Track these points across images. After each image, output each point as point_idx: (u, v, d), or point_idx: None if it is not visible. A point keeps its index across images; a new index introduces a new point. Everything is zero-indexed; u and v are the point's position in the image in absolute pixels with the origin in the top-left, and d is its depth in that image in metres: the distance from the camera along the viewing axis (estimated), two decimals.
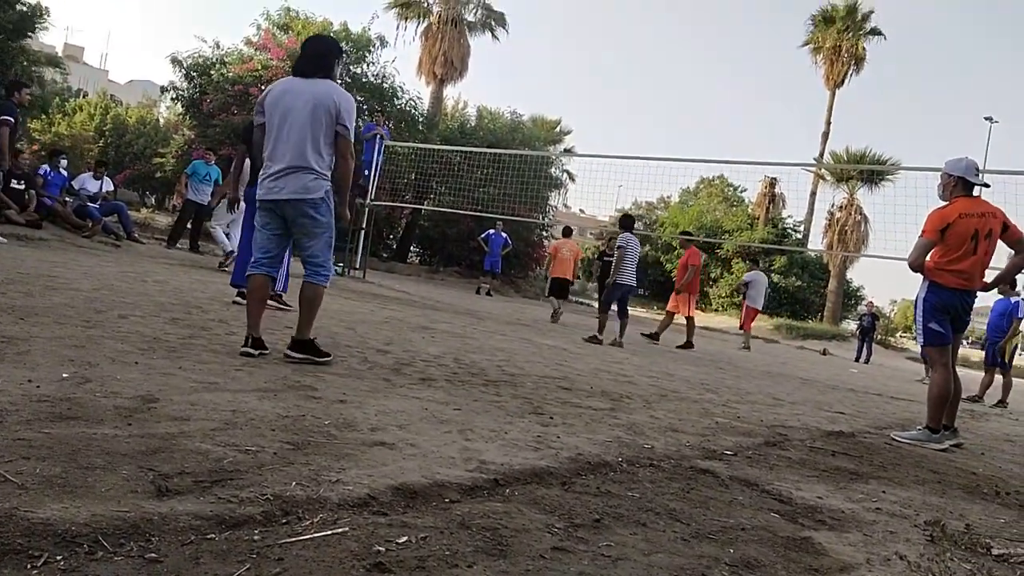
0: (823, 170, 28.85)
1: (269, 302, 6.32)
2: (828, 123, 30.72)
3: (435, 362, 4.76)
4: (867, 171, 26.63)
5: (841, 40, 30.21)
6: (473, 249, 19.92)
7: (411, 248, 24.38)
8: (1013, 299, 9.64)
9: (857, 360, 18.05)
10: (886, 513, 2.66)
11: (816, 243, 30.12)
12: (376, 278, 14.17)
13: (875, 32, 30.76)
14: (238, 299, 6.17)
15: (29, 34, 17.18)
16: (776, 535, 2.16)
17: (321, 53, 4.00)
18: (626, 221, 9.91)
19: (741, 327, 15.26)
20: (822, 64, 30.82)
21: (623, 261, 9.42)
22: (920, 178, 11.10)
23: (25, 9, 16.50)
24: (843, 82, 30.50)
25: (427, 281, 18.81)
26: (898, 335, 31.40)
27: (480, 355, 5.54)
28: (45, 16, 17.09)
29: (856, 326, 21.71)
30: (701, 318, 26.29)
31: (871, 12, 30.45)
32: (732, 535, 2.10)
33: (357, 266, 13.87)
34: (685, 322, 11.82)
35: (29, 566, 1.31)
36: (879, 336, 22.67)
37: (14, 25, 15.89)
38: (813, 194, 30.03)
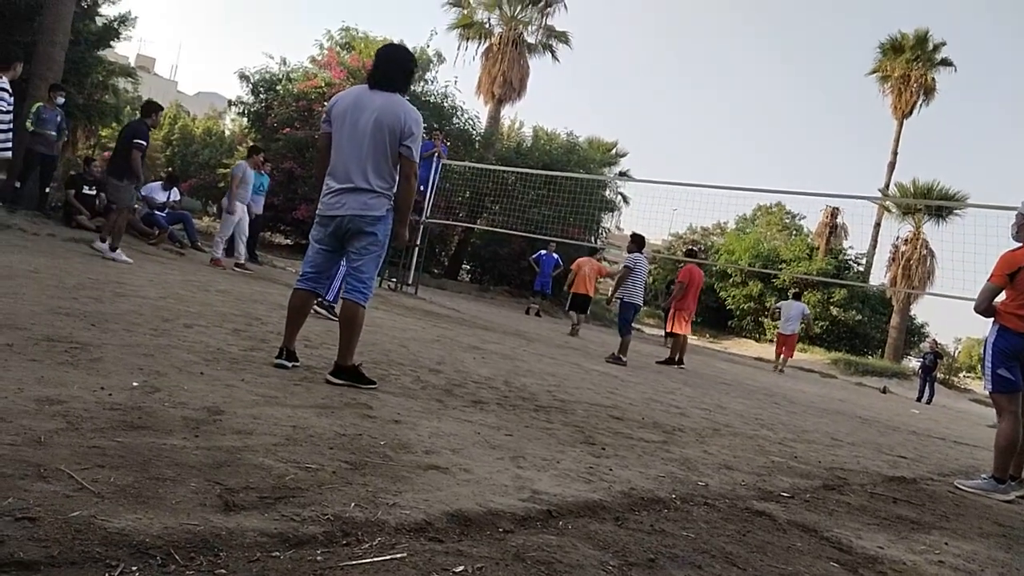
0: (888, 203, 28.10)
1: (319, 311, 6.54)
2: (895, 153, 29.97)
3: (486, 384, 4.78)
4: (935, 205, 25.83)
5: (910, 69, 29.49)
6: (524, 269, 20.00)
7: (463, 265, 24.57)
8: None
9: (919, 400, 17.47)
10: (949, 567, 2.57)
11: (879, 276, 29.26)
12: (427, 294, 14.32)
13: (946, 63, 29.95)
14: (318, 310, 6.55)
15: (111, 44, 17.89)
16: None
17: (392, 64, 3.83)
18: (637, 240, 9.97)
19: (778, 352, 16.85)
20: (889, 93, 30.11)
21: (631, 281, 9.57)
22: (990, 216, 10.72)
23: (107, 21, 17.20)
24: (911, 112, 29.71)
25: (477, 299, 18.91)
26: (962, 375, 30.23)
27: (530, 379, 5.54)
28: (130, 27, 17.74)
29: (919, 364, 20.99)
30: (755, 349, 25.84)
31: (943, 43, 29.71)
32: None
33: (409, 282, 14.04)
34: (675, 338, 11.47)
35: (107, 574, 1.36)
36: (943, 376, 21.88)
37: (96, 36, 16.59)
38: (877, 225, 29.26)
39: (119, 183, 8.27)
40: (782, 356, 16.23)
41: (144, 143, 8.24)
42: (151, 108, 8.71)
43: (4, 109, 7.06)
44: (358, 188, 3.71)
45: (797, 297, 17.62)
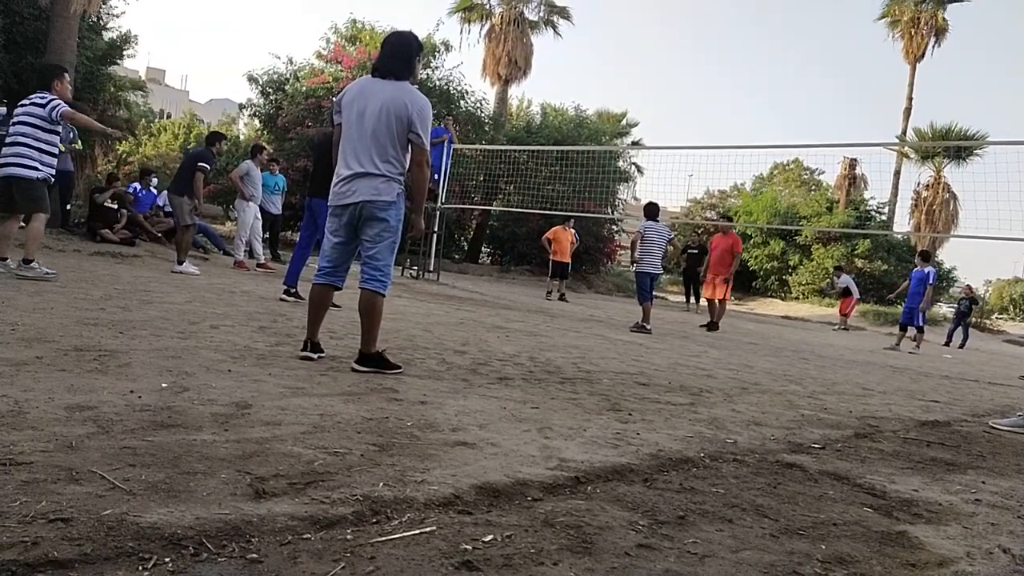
0: (906, 148, 27.57)
1: (286, 297, 6.72)
2: (910, 99, 29.41)
3: (511, 361, 4.80)
4: (954, 147, 25.31)
5: (919, 12, 28.86)
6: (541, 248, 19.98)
7: (482, 249, 24.56)
8: None
9: (947, 345, 17.25)
10: (987, 504, 2.55)
11: (903, 224, 28.81)
12: (449, 280, 14.37)
13: None
14: (284, 296, 6.80)
15: (117, 61, 18.11)
16: (870, 530, 2.10)
17: (397, 52, 3.85)
18: (650, 209, 9.97)
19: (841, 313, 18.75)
20: (900, 38, 29.51)
21: (643, 249, 9.57)
22: (1011, 152, 10.48)
23: (114, 37, 17.40)
24: (923, 55, 29.13)
25: (499, 281, 18.92)
26: (994, 317, 29.71)
27: (555, 353, 5.55)
28: (133, 44, 17.97)
29: (953, 311, 20.76)
30: (782, 308, 25.62)
31: None
32: (823, 531, 2.05)
33: (431, 268, 14.09)
34: (715, 304, 11.82)
35: (140, 567, 1.39)
36: (975, 319, 21.57)
37: (103, 53, 16.78)
38: (897, 173, 28.68)
39: (180, 199, 8.67)
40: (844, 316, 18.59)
41: (208, 167, 8.87)
42: (215, 138, 9.42)
43: (45, 128, 6.40)
44: (367, 173, 3.73)
45: (841, 270, 20.08)
